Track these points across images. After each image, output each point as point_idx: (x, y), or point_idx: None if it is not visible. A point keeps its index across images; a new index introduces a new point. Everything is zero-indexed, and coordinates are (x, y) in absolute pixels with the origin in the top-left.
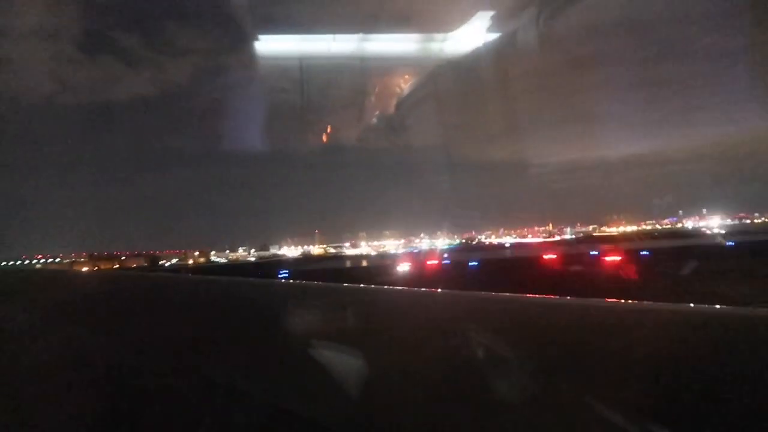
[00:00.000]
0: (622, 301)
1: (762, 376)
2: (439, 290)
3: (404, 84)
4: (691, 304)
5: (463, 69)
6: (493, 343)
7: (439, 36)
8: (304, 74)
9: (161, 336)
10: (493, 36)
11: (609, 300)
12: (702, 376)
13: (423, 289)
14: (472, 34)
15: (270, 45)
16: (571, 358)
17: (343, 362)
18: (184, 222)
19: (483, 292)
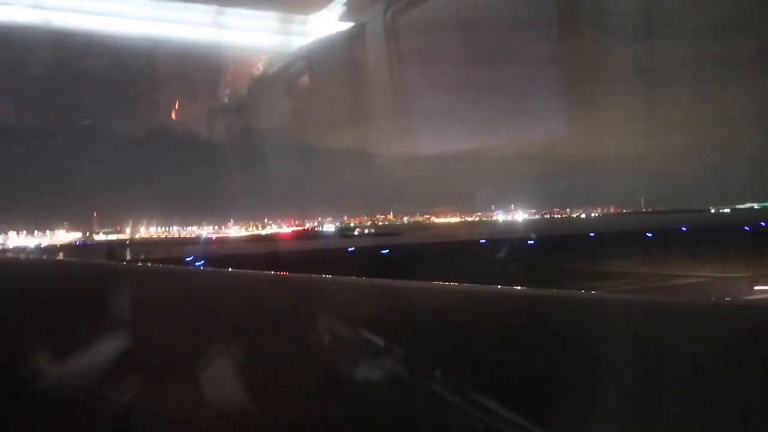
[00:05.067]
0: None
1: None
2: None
3: (259, 65)
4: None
5: (316, 55)
6: (352, 327)
7: (298, 18)
8: (151, 46)
9: None
10: (346, 24)
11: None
12: (544, 354)
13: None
14: (327, 20)
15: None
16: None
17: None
18: None
19: (344, 277)
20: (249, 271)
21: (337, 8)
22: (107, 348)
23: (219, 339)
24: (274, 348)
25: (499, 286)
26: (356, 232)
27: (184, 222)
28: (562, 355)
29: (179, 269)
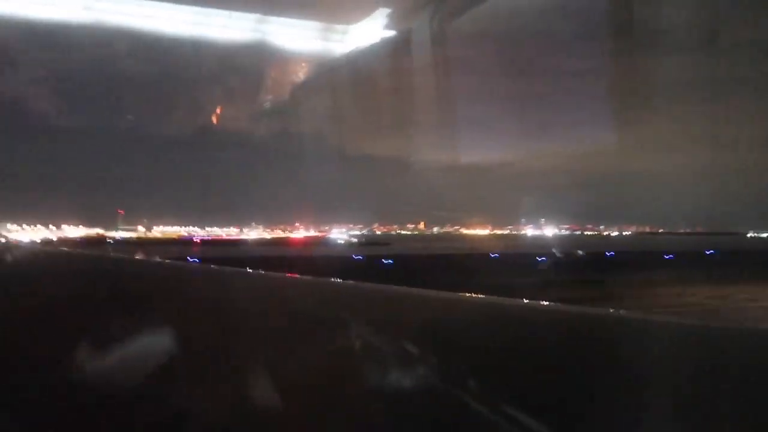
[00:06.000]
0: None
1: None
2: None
3: (300, 72)
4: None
5: (359, 63)
6: (368, 334)
7: (339, 27)
8: (196, 50)
9: None
10: (390, 33)
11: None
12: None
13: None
14: (371, 29)
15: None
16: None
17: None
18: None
19: (359, 283)
20: (285, 275)
21: (382, 17)
22: (135, 349)
23: (251, 342)
24: (307, 353)
25: (539, 302)
26: (342, 241)
27: (209, 222)
28: (598, 374)
29: (210, 268)
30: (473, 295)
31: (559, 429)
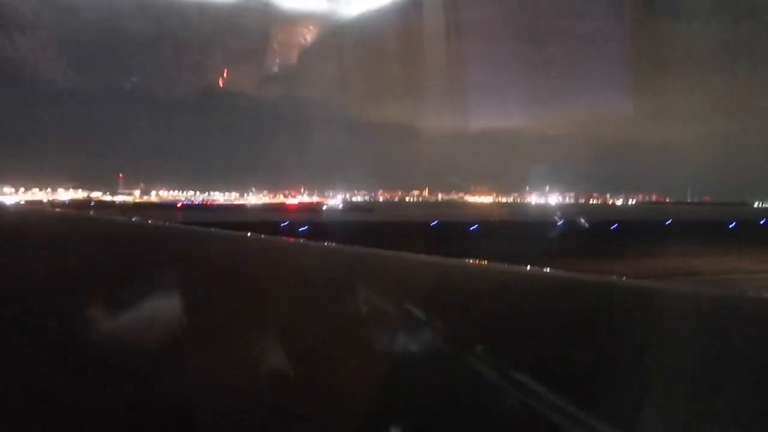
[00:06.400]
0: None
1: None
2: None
3: (307, 35)
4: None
5: (367, 26)
6: (375, 299)
7: None
8: (204, 14)
9: None
10: None
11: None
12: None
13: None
14: None
15: None
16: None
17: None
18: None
19: (364, 248)
20: (296, 240)
21: None
22: (146, 314)
23: (260, 306)
24: (318, 317)
25: (548, 269)
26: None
27: (210, 187)
28: (609, 342)
29: (226, 233)
30: (480, 262)
31: (569, 396)
